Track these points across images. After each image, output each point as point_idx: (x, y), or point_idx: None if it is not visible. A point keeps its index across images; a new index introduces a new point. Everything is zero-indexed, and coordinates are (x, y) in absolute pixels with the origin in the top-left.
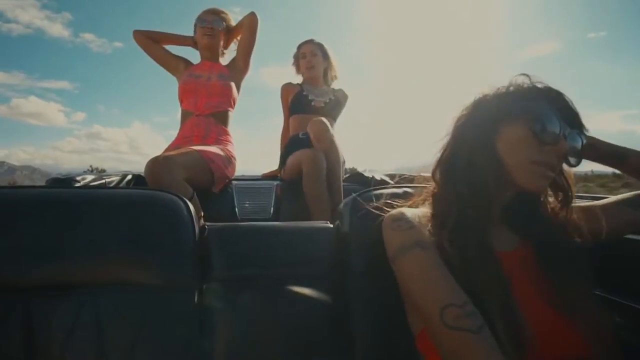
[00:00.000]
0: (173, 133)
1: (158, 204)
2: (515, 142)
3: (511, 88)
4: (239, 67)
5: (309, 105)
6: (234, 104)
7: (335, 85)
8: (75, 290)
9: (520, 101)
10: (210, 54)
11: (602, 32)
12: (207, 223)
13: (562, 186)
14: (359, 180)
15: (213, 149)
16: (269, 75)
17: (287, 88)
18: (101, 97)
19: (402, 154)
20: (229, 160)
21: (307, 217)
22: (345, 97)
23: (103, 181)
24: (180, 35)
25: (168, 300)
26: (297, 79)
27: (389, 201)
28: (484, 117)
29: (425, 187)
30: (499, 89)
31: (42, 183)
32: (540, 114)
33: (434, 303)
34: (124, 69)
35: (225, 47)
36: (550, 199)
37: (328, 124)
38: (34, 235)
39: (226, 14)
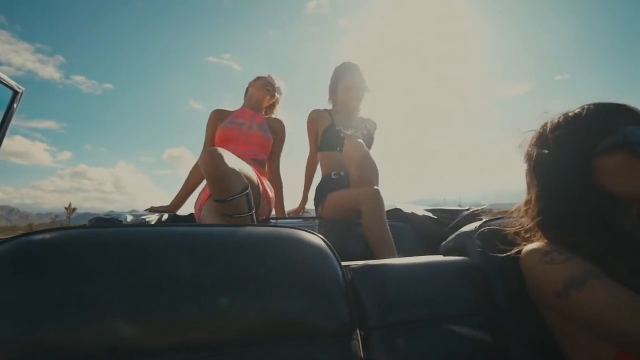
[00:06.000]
0: (159, 173)
1: (301, 242)
2: (619, 170)
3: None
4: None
5: (341, 141)
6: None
7: (364, 111)
8: (212, 352)
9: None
10: (255, 104)
11: (568, 74)
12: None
13: None
14: (398, 216)
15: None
16: None
17: (316, 117)
18: (89, 137)
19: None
20: (272, 191)
21: (353, 255)
22: (375, 127)
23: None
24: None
25: (331, 350)
26: (318, 105)
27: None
28: (572, 155)
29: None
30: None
31: (22, 223)
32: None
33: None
34: (113, 110)
35: (268, 112)
36: None
37: (362, 142)
38: (155, 282)
39: (280, 93)
